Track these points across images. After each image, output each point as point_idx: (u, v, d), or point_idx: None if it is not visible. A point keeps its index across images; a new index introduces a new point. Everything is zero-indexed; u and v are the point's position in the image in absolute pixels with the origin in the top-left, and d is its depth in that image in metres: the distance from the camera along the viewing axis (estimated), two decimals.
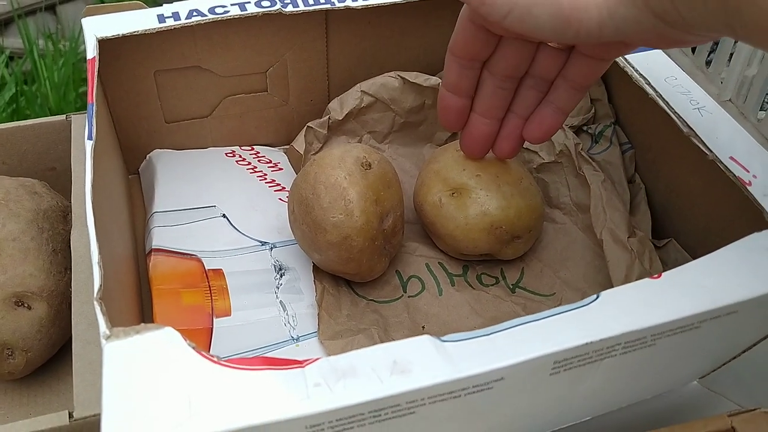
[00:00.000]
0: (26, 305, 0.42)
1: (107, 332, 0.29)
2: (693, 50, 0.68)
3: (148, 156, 0.55)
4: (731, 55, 0.65)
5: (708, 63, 0.68)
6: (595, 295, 0.31)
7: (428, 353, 0.29)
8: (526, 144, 0.53)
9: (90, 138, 0.38)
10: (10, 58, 1.35)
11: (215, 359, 0.28)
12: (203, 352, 0.29)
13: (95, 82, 0.41)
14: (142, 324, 0.29)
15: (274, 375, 0.28)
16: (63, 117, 0.51)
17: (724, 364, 0.39)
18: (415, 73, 0.53)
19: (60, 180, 0.52)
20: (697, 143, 0.42)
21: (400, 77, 0.53)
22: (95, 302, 0.30)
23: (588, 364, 0.30)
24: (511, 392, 0.30)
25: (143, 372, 0.28)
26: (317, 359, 0.29)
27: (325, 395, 0.27)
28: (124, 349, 0.29)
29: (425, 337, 0.29)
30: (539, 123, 0.40)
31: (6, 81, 1.27)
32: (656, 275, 0.32)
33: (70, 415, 0.34)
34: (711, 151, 0.41)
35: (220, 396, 0.27)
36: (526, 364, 0.28)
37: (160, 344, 0.29)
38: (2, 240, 0.42)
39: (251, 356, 0.42)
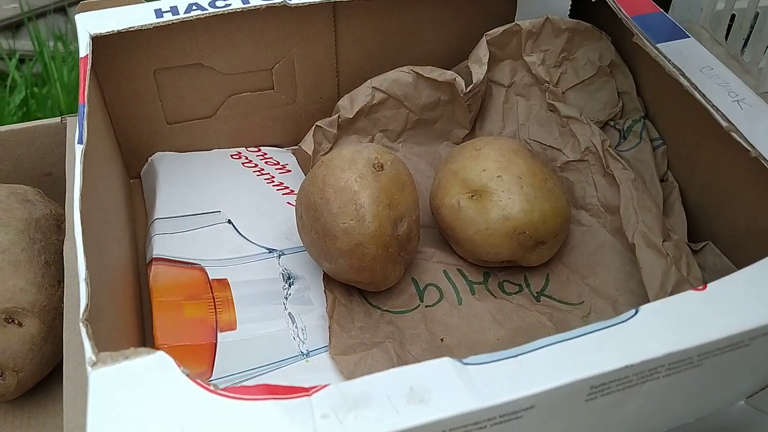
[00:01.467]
0: (17, 322, 0.39)
1: (93, 358, 0.26)
2: (726, 38, 0.65)
3: (149, 159, 0.52)
4: None
5: (743, 52, 0.64)
6: (633, 310, 0.28)
7: (449, 378, 0.26)
8: (550, 142, 0.50)
9: (80, 141, 0.35)
10: (21, 60, 1.34)
11: (211, 388, 0.26)
12: (198, 380, 0.26)
13: (87, 81, 0.38)
14: (132, 348, 0.27)
15: (278, 406, 0.25)
16: (58, 119, 0.48)
17: None
18: (429, 67, 0.50)
19: (56, 186, 0.49)
20: (737, 138, 0.38)
21: (414, 72, 0.50)
22: (81, 324, 0.27)
23: (628, 388, 0.27)
24: (543, 421, 0.27)
25: (132, 402, 0.25)
26: (325, 386, 0.26)
27: (334, 429, 0.24)
28: (111, 376, 0.26)
29: (445, 360, 0.27)
30: None
31: (17, 83, 1.25)
32: (701, 287, 0.29)
33: None
34: (753, 147, 0.38)
35: (216, 430, 0.24)
36: (560, 390, 0.26)
37: (151, 371, 0.26)
38: None
39: (258, 374, 0.39)
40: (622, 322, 0.28)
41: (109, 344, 0.28)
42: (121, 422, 0.25)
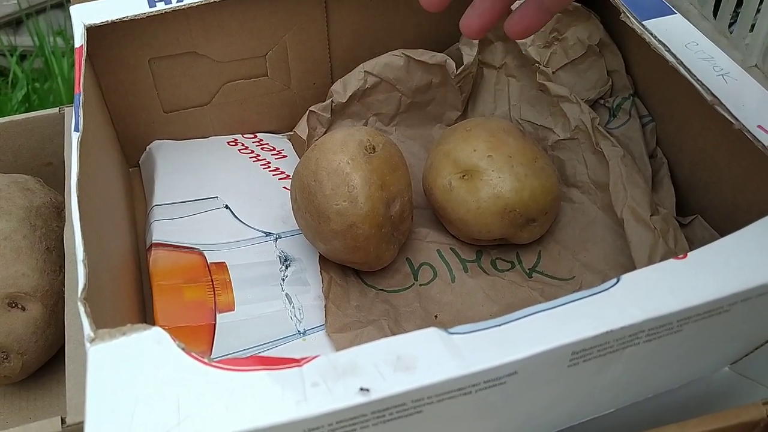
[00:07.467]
0: (20, 306, 0.40)
1: (91, 334, 0.27)
2: (714, 14, 0.65)
3: (147, 147, 0.53)
4: (756, 15, 0.61)
5: (731, 27, 0.64)
6: (614, 279, 0.29)
7: (435, 347, 0.27)
8: (541, 121, 0.51)
9: (77, 130, 0.36)
10: (22, 56, 1.35)
11: (205, 360, 0.26)
12: (193, 353, 0.27)
13: (82, 71, 0.39)
14: (129, 324, 0.28)
15: (269, 376, 0.26)
16: (56, 110, 0.49)
17: (757, 348, 0.37)
18: (420, 50, 0.51)
19: (57, 175, 0.50)
20: (722, 112, 0.39)
21: (405, 55, 0.50)
22: (79, 303, 0.28)
23: (609, 353, 0.28)
24: (526, 387, 0.28)
25: (129, 376, 0.26)
26: (316, 357, 0.27)
27: (323, 396, 0.25)
28: (109, 351, 0.27)
29: (431, 330, 0.27)
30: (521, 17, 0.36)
31: (18, 79, 1.26)
32: (681, 255, 0.30)
33: (63, 421, 0.32)
34: (737, 120, 0.38)
35: (211, 400, 0.25)
36: (541, 356, 0.26)
37: (148, 345, 0.27)
38: None
39: (254, 353, 0.40)
40: (604, 290, 0.28)
41: (109, 324, 0.28)
42: (119, 395, 0.25)
